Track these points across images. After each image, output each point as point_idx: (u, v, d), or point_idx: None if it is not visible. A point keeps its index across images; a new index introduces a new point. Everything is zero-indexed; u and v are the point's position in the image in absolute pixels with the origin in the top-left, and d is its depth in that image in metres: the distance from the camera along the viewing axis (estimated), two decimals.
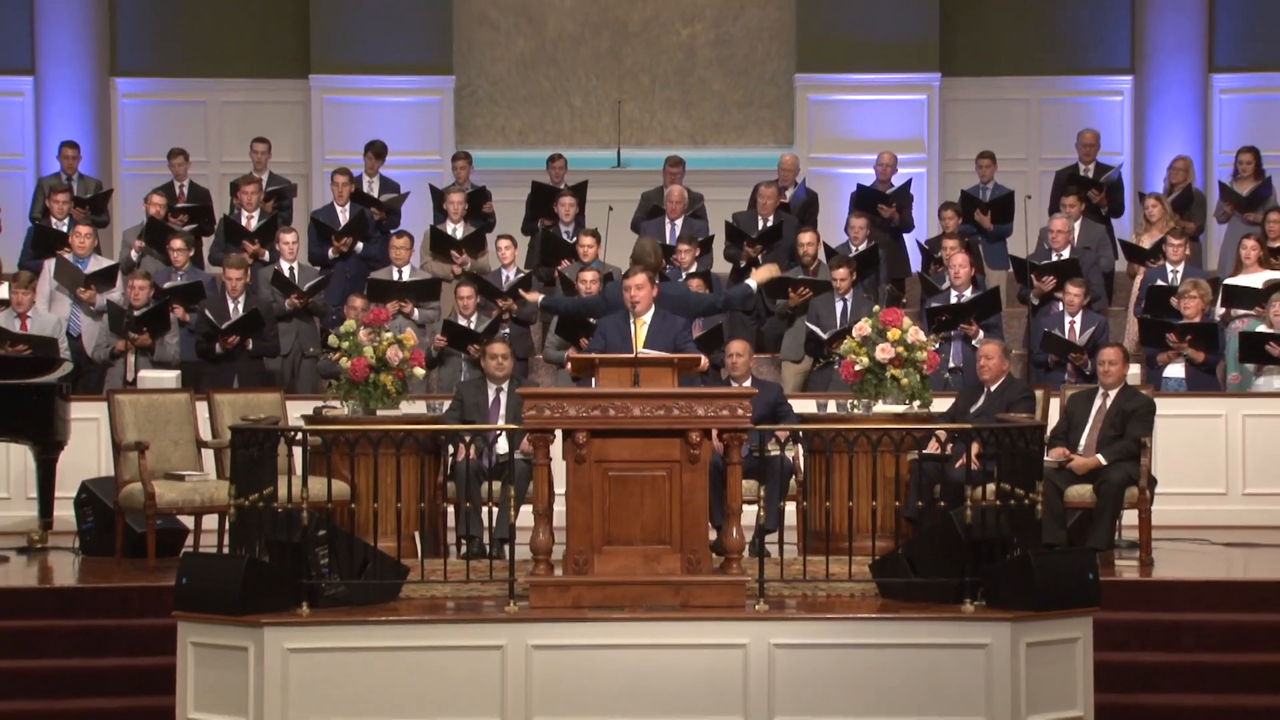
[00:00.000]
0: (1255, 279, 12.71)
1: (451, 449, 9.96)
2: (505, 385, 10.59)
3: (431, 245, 14.17)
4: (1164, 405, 10.78)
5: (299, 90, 17.33)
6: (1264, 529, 11.23)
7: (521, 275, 13.41)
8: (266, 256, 13.69)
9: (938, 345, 11.11)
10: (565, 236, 14.08)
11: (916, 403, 10.24)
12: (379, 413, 10.33)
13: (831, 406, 10.93)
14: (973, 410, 10.26)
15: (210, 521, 10.32)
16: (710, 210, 14.79)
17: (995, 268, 14.34)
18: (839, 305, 12.52)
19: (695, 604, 8.03)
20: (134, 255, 13.85)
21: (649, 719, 7.83)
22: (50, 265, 13.16)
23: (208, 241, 14.42)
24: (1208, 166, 16.76)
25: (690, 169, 15.27)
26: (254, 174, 14.94)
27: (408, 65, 17.14)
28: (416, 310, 13.14)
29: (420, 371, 10.67)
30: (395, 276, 13.29)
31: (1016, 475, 8.17)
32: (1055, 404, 10.63)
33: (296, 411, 10.67)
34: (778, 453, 9.42)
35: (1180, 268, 13.00)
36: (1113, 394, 10.27)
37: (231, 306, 12.59)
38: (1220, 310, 12.67)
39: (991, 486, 8.36)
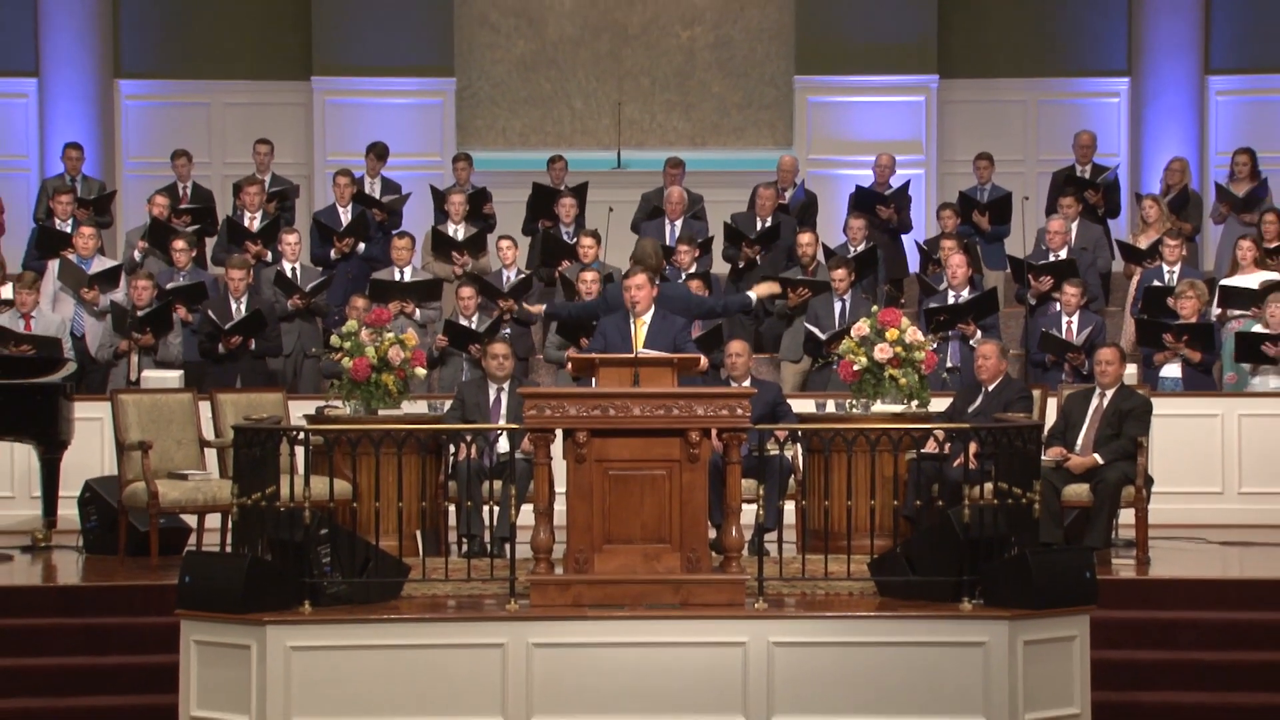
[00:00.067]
0: (1251, 279, 12.73)
1: (453, 448, 9.98)
2: (506, 385, 10.61)
3: (433, 246, 14.19)
4: (1160, 405, 10.79)
5: (301, 92, 17.35)
6: (1260, 528, 11.24)
7: (522, 276, 13.44)
8: (269, 257, 13.70)
9: (935, 345, 11.10)
10: (565, 237, 14.09)
11: (914, 402, 10.25)
12: (381, 412, 10.36)
13: (830, 406, 10.92)
14: (970, 410, 10.27)
15: (213, 520, 10.34)
16: (710, 211, 14.80)
17: (993, 268, 14.35)
18: (837, 306, 12.52)
19: (695, 602, 8.03)
20: (137, 256, 13.85)
21: (649, 717, 7.84)
22: (54, 266, 13.16)
23: (210, 242, 14.43)
24: (1204, 168, 16.78)
25: (690, 170, 15.29)
26: (256, 175, 14.95)
27: (409, 67, 17.16)
28: (418, 310, 13.16)
29: (421, 371, 10.69)
30: (397, 277, 13.31)
31: (1014, 474, 8.18)
32: (1052, 404, 10.65)
33: (299, 411, 10.70)
34: (777, 452, 9.42)
35: (1177, 268, 13.01)
36: (1110, 394, 10.27)
37: (234, 307, 12.61)
38: (1216, 311, 12.68)
39: (989, 486, 8.38)
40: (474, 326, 12.67)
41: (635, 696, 7.84)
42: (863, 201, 14.62)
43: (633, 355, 8.70)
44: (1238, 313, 12.59)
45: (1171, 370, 12.28)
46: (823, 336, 12.29)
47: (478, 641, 7.89)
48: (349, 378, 10.37)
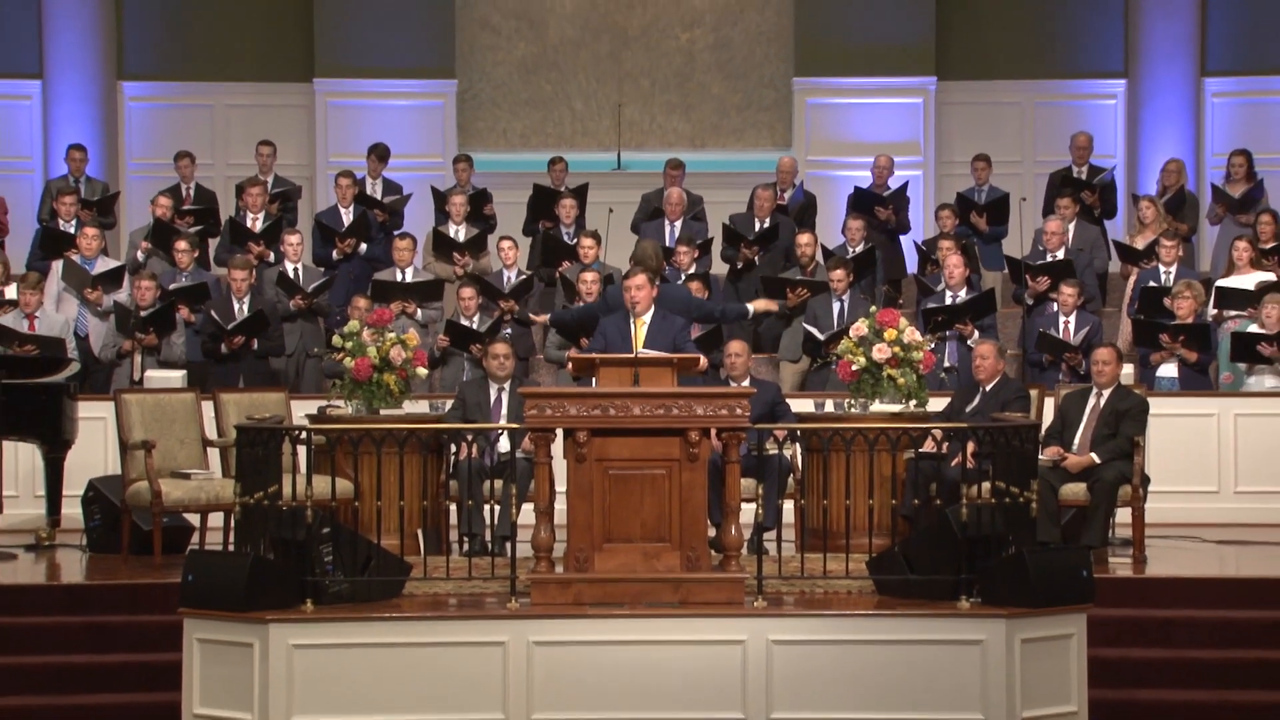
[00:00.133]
0: (1247, 280, 12.72)
1: (454, 448, 10.01)
2: (507, 385, 10.63)
3: (434, 247, 14.20)
4: (1157, 404, 10.81)
5: (303, 94, 17.37)
6: (1255, 527, 11.24)
7: (523, 277, 13.47)
8: (271, 258, 13.71)
9: (933, 345, 11.11)
10: (566, 238, 14.10)
11: (913, 402, 10.27)
12: (382, 412, 10.38)
13: (829, 406, 10.94)
14: (968, 409, 10.27)
15: (216, 519, 10.34)
16: (709, 212, 14.81)
17: (991, 269, 14.37)
18: (836, 306, 12.53)
19: (694, 601, 8.05)
20: (140, 256, 13.87)
21: (649, 714, 7.86)
22: (58, 266, 13.18)
23: (213, 243, 14.45)
24: (1200, 169, 16.76)
25: (689, 171, 15.30)
26: (259, 176, 14.94)
27: (410, 69, 17.18)
28: (419, 311, 13.18)
29: (423, 371, 10.71)
30: (398, 277, 13.32)
31: (1011, 474, 8.19)
32: (1050, 403, 10.64)
33: (301, 411, 10.71)
34: (776, 451, 9.42)
35: (1173, 269, 13.01)
36: (1106, 393, 10.28)
37: (237, 307, 12.62)
38: (1213, 311, 12.68)
39: (987, 485, 8.37)
40: (475, 327, 12.68)
41: (635, 694, 7.86)
42: (861, 202, 14.64)
43: (633, 355, 8.72)
44: (1234, 313, 12.59)
45: (1168, 370, 12.27)
46: (821, 337, 12.29)
47: (479, 640, 7.90)
48: (351, 377, 10.39)
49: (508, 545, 8.47)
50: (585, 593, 8.08)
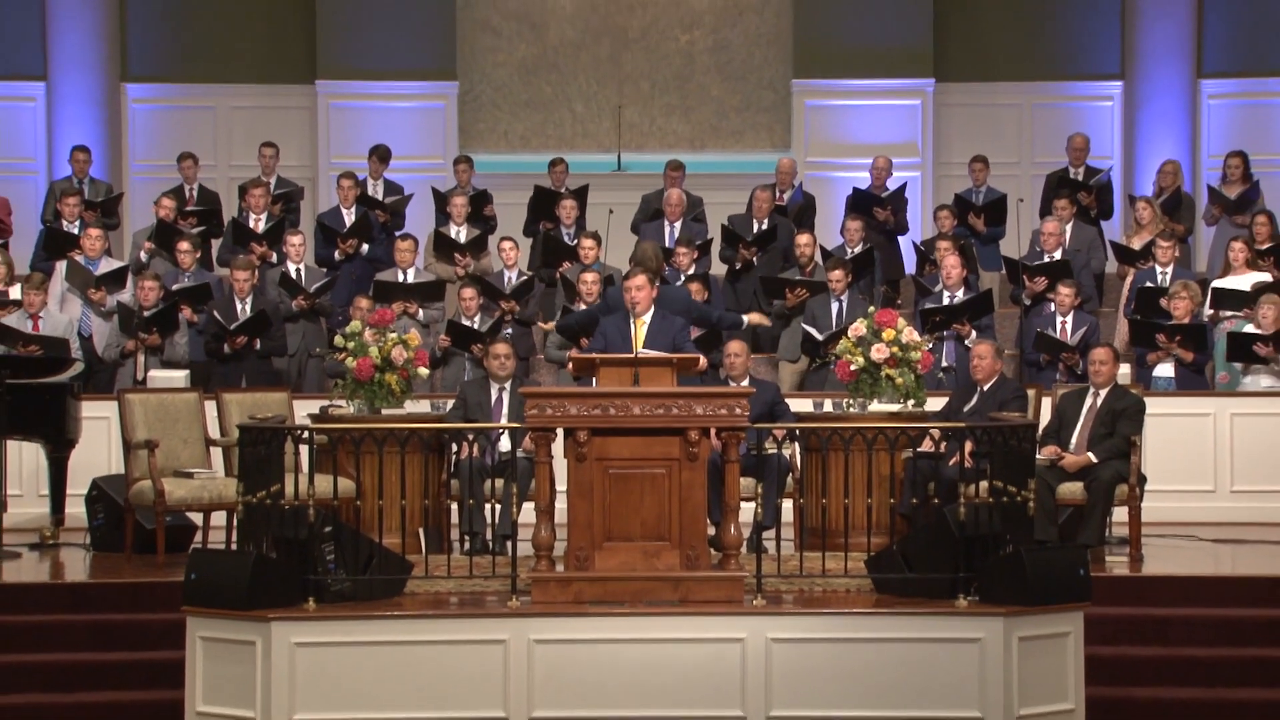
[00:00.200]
0: (1243, 280, 12.74)
1: (455, 447, 10.03)
2: (508, 384, 10.64)
3: (435, 248, 14.22)
4: (1153, 404, 10.81)
5: (306, 95, 17.39)
6: (1251, 525, 11.26)
7: (524, 278, 13.51)
8: (274, 258, 13.73)
9: (931, 345, 11.11)
10: (566, 239, 14.11)
11: (911, 402, 10.28)
12: (384, 411, 10.39)
13: (828, 405, 10.93)
14: (966, 409, 10.27)
15: (218, 518, 10.34)
16: (709, 213, 14.82)
17: (988, 269, 14.39)
18: (835, 306, 12.53)
19: (694, 599, 8.07)
20: (143, 257, 13.89)
21: (649, 712, 7.88)
22: (61, 267, 13.19)
23: (216, 243, 14.49)
24: (1196, 170, 16.78)
25: (689, 173, 15.31)
26: (262, 177, 14.96)
27: (412, 71, 17.20)
28: (421, 311, 13.20)
29: (424, 371, 10.72)
30: (400, 278, 13.34)
31: (1009, 473, 8.21)
32: (1047, 403, 10.64)
33: (303, 410, 10.71)
34: (775, 451, 9.42)
35: (1169, 269, 13.04)
36: (1103, 393, 10.29)
37: (239, 307, 12.63)
38: (1209, 311, 12.69)
39: (984, 484, 8.40)
40: (476, 327, 12.68)
41: (635, 692, 7.88)
42: (860, 203, 14.66)
43: (633, 355, 8.74)
44: (1230, 313, 12.60)
45: (1164, 370, 12.28)
46: (820, 337, 12.29)
47: (480, 638, 7.92)
48: (353, 377, 10.40)
49: (508, 544, 8.47)
50: (585, 591, 8.09)
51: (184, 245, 13.35)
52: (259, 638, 7.86)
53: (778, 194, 14.92)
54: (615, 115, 17.59)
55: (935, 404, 10.64)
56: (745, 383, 10.30)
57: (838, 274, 12.62)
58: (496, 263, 13.87)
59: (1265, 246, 13.22)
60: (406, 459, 8.65)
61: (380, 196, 14.92)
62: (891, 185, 15.08)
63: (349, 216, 14.38)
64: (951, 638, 7.93)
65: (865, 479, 9.06)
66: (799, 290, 13.11)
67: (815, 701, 7.91)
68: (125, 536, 10.21)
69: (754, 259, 14.06)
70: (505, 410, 10.53)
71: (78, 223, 13.92)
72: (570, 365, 9.29)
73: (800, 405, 10.94)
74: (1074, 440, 10.26)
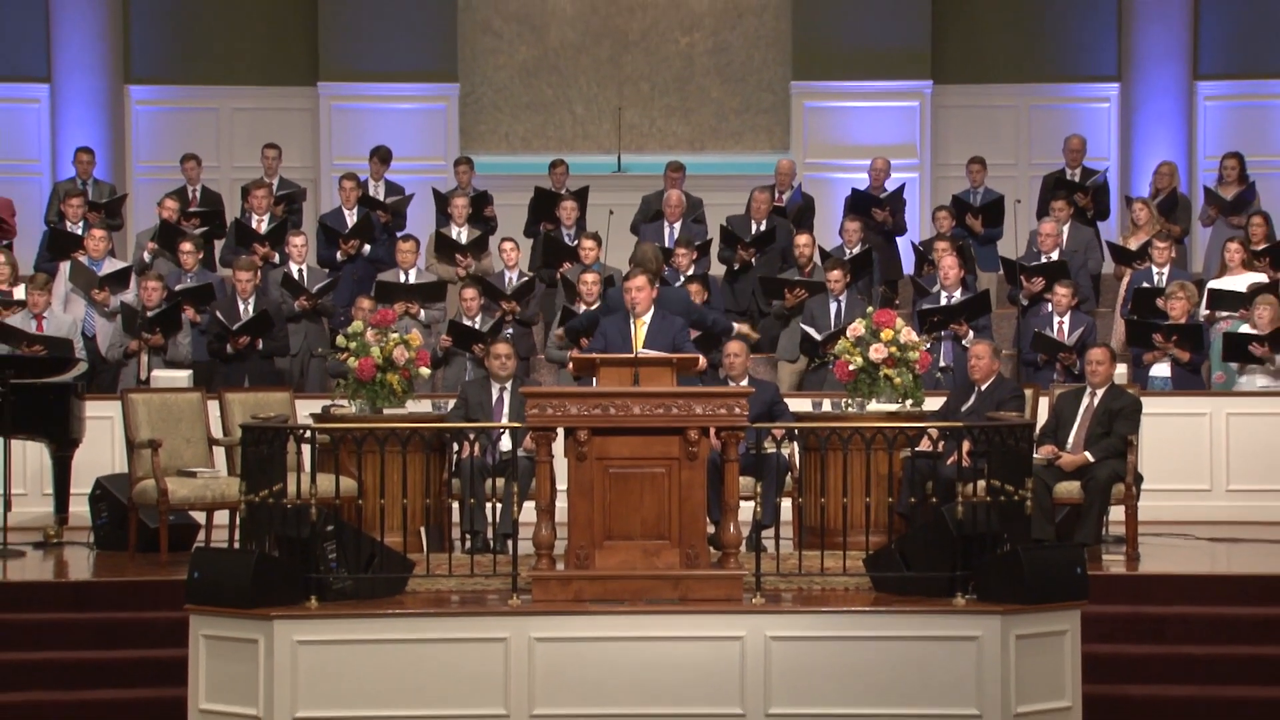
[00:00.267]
0: (1239, 281, 12.78)
1: (456, 446, 10.06)
2: (508, 384, 10.64)
3: (436, 248, 14.24)
4: (1150, 404, 10.82)
5: (308, 97, 17.43)
6: (1247, 524, 11.27)
7: (525, 279, 13.55)
8: (276, 259, 13.78)
9: (929, 345, 11.12)
10: (567, 239, 14.14)
11: (909, 401, 10.29)
12: (386, 411, 10.39)
13: (826, 405, 10.93)
14: (964, 409, 10.28)
15: (221, 517, 10.38)
16: (709, 214, 14.84)
17: (986, 270, 14.42)
18: (833, 306, 12.57)
19: (694, 597, 8.08)
20: (147, 257, 13.91)
21: (648, 709, 7.90)
22: (65, 268, 13.22)
23: (219, 244, 14.52)
24: (1192, 171, 16.82)
25: (689, 174, 15.33)
26: (264, 179, 15.01)
27: (413, 73, 17.24)
28: (422, 311, 13.23)
29: (426, 371, 10.72)
30: (402, 278, 13.36)
31: (1006, 472, 8.23)
32: (1044, 402, 10.65)
33: (305, 410, 10.71)
34: (774, 450, 9.43)
35: (1166, 270, 13.07)
36: (1100, 393, 10.30)
37: (242, 308, 12.65)
38: (1205, 311, 12.72)
39: (982, 483, 8.41)
40: (477, 327, 12.71)
41: (635, 690, 7.90)
42: (858, 204, 14.70)
43: (633, 355, 8.77)
44: (1226, 314, 12.64)
45: (1161, 370, 12.33)
46: (819, 337, 12.33)
47: (481, 636, 7.94)
48: (355, 377, 10.41)
49: (509, 543, 8.47)
50: (586, 589, 8.12)
51: (187, 246, 13.38)
52: (261, 636, 7.87)
53: (777, 195, 14.96)
54: (615, 117, 17.62)
55: (933, 404, 10.65)
56: (744, 383, 10.30)
57: (836, 274, 12.64)
58: (497, 263, 13.89)
59: (1261, 247, 13.25)
60: (408, 458, 8.67)
61: (381, 197, 14.95)
62: (890, 186, 15.12)
63: (351, 217, 14.41)
64: (949, 636, 7.95)
65: (864, 478, 9.02)
66: (798, 290, 13.14)
67: (814, 699, 7.92)
68: (129, 535, 10.23)
69: (752, 260, 14.10)
70: (506, 410, 10.54)
71: (81, 223, 13.97)
72: (571, 365, 9.30)
73: (799, 405, 10.95)
74: (1071, 440, 10.27)
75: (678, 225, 14.36)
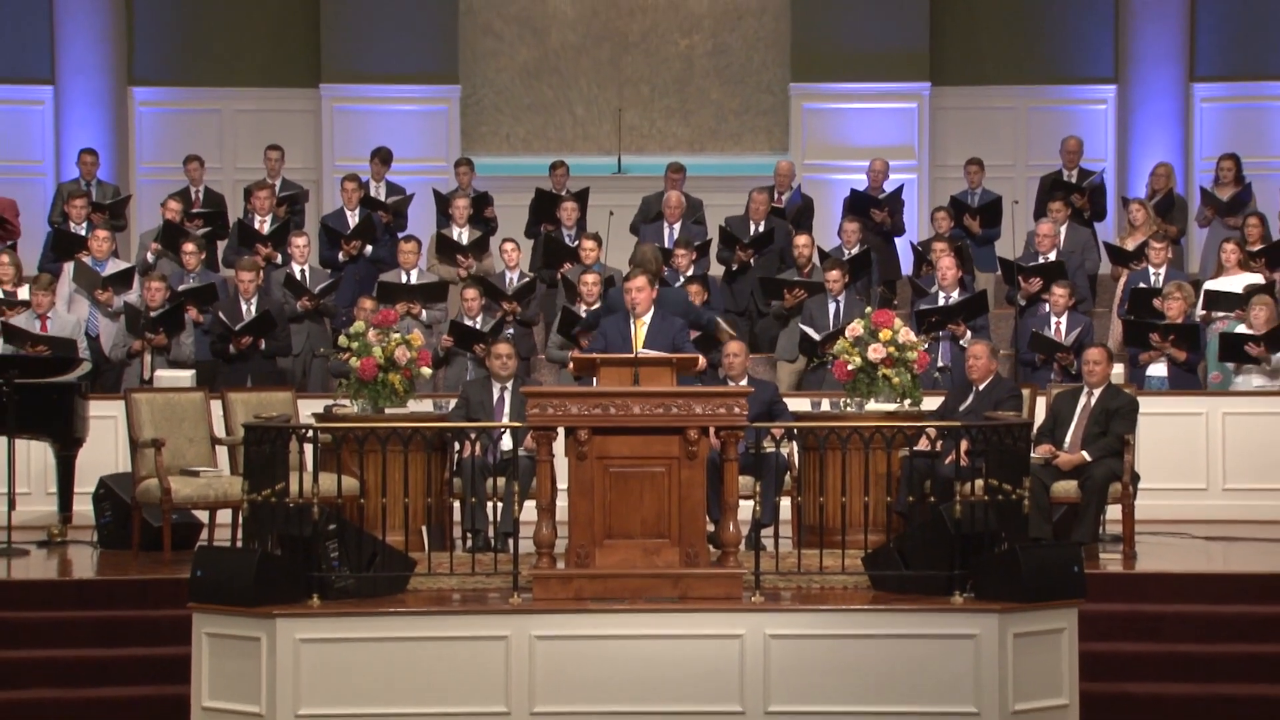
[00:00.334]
0: (1235, 281, 12.81)
1: (457, 446, 10.09)
2: (509, 384, 10.65)
3: (437, 249, 14.25)
4: (1147, 403, 10.83)
5: (310, 99, 17.44)
6: (1243, 523, 11.31)
7: (526, 279, 13.58)
8: (279, 259, 13.80)
9: (927, 345, 11.13)
10: (567, 240, 14.17)
11: (907, 401, 10.30)
12: (387, 411, 10.40)
13: (825, 405, 10.92)
14: (962, 408, 10.29)
15: (224, 516, 10.41)
16: (708, 215, 14.85)
17: (984, 270, 14.43)
18: (832, 307, 12.61)
19: (693, 596, 8.11)
20: (150, 258, 13.94)
21: (648, 707, 7.93)
22: (69, 268, 13.26)
23: (222, 245, 14.54)
24: (1189, 173, 16.83)
25: (689, 175, 15.33)
26: (267, 180, 15.03)
27: (415, 74, 17.25)
28: (424, 311, 13.24)
29: (427, 371, 10.75)
30: (403, 279, 13.38)
31: (1004, 471, 8.26)
32: (1042, 402, 10.67)
33: (307, 410, 10.72)
34: (773, 449, 9.42)
35: (1162, 270, 13.09)
36: (1097, 392, 10.31)
37: (244, 308, 12.67)
38: (1201, 312, 12.75)
39: (980, 482, 8.42)
40: (478, 327, 12.72)
41: (635, 687, 7.93)
42: (857, 205, 14.73)
43: (633, 355, 8.79)
44: (1222, 314, 12.66)
45: (1157, 370, 12.35)
46: (818, 337, 12.35)
47: (482, 634, 7.97)
48: (357, 377, 10.42)
49: (510, 541, 8.47)
50: (586, 588, 8.14)
51: (190, 246, 13.40)
52: (264, 634, 7.90)
53: (776, 196, 14.98)
54: (615, 118, 17.64)
55: (931, 403, 10.65)
56: (744, 382, 10.32)
57: (835, 275, 12.67)
58: (498, 264, 13.92)
59: (1257, 248, 13.28)
60: (409, 457, 8.73)
61: (382, 198, 14.96)
62: (888, 187, 15.14)
63: (353, 218, 14.44)
64: (947, 634, 7.98)
65: (862, 477, 9.02)
66: (797, 291, 13.16)
67: (813, 697, 7.95)
68: (132, 534, 10.24)
69: (750, 260, 14.13)
70: (507, 409, 10.56)
71: (85, 224, 14.00)
72: (571, 365, 9.33)
73: (798, 404, 10.95)
74: (1068, 439, 10.28)
75: (677, 226, 14.38)
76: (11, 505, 10.58)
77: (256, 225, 14.22)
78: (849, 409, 10.35)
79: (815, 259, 13.57)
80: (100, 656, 8.80)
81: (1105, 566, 9.65)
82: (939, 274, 12.85)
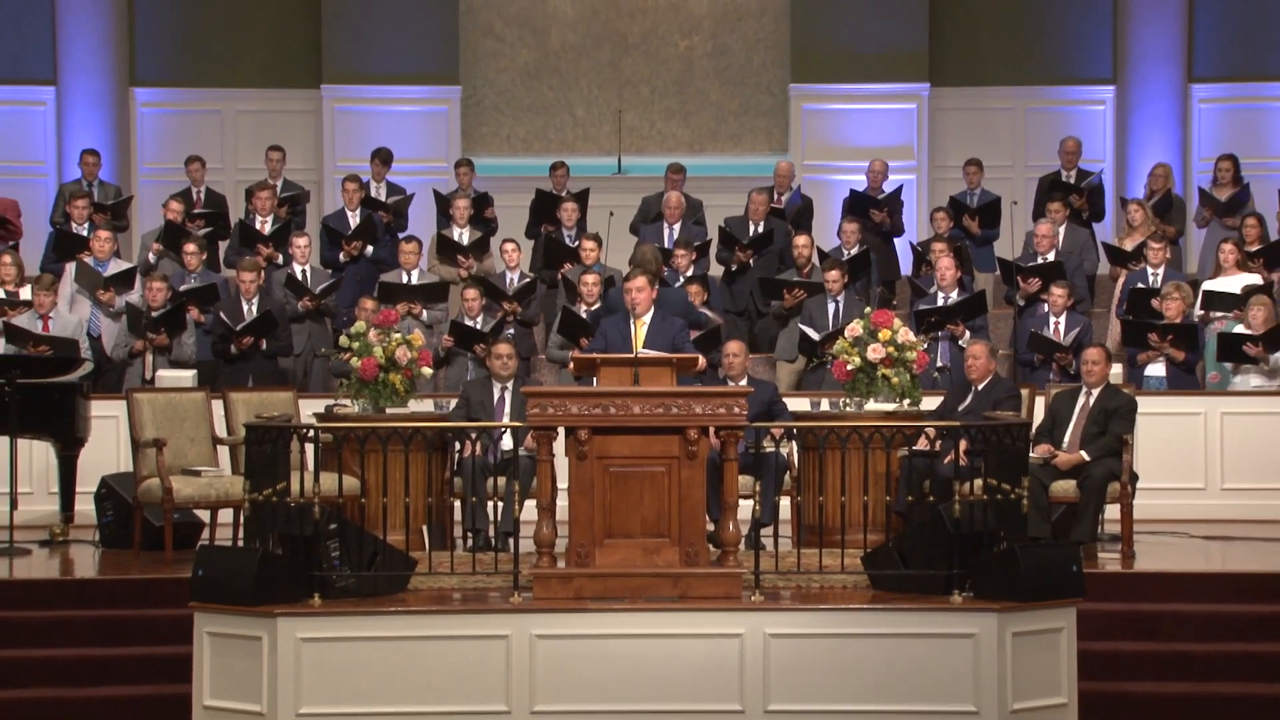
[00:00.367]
0: (1233, 282, 12.83)
1: (458, 445, 10.10)
2: (510, 384, 10.66)
3: (438, 250, 14.26)
4: (1145, 403, 10.84)
5: (311, 100, 17.45)
6: (1241, 522, 11.33)
7: (526, 280, 13.61)
8: (280, 260, 13.81)
9: (926, 345, 11.12)
10: (568, 241, 14.18)
11: (906, 401, 10.31)
12: (388, 411, 10.41)
13: (825, 405, 10.90)
14: (961, 408, 10.30)
15: (225, 515, 10.42)
16: (708, 215, 14.86)
17: (983, 270, 14.45)
18: (831, 307, 12.62)
19: (693, 595, 8.12)
20: (152, 258, 13.94)
21: (648, 706, 7.94)
22: (71, 268, 13.25)
23: (223, 245, 14.54)
24: (1187, 173, 16.84)
25: (689, 176, 15.32)
26: (268, 180, 15.03)
27: (416, 75, 17.26)
28: (425, 311, 13.26)
29: (428, 371, 10.75)
30: (404, 279, 13.39)
31: (1003, 471, 8.27)
32: (1040, 402, 10.68)
33: (309, 409, 10.73)
34: (773, 449, 9.45)
35: (1161, 270, 13.10)
36: (1096, 392, 10.32)
37: (246, 308, 12.68)
38: (1199, 312, 12.76)
39: (979, 482, 8.42)
40: (479, 327, 12.73)
41: (635, 686, 7.93)
42: (856, 206, 14.74)
43: (633, 355, 8.80)
44: (1220, 314, 12.68)
45: (1156, 370, 12.36)
46: (817, 337, 12.37)
47: (482, 633, 7.98)
48: (357, 377, 10.43)
49: (510, 541, 8.49)
50: (586, 587, 8.16)
51: (191, 247, 13.41)
52: (265, 633, 7.91)
53: (775, 196, 14.99)
54: (616, 119, 17.65)
55: (930, 403, 10.66)
56: (743, 382, 10.33)
57: (834, 275, 12.68)
58: (499, 264, 13.93)
59: (1255, 248, 13.30)
60: (410, 457, 8.73)
61: (383, 199, 14.98)
62: (888, 188, 15.15)
63: (354, 219, 14.45)
64: (946, 633, 7.99)
65: (861, 477, 9.00)
66: (796, 291, 13.18)
67: (812, 696, 7.96)
68: (134, 533, 10.25)
69: (750, 261, 14.14)
70: (507, 409, 10.56)
71: (87, 225, 13.99)
72: (571, 365, 9.34)
73: (797, 404, 10.95)
74: (1067, 439, 10.29)
75: (677, 226, 14.39)
76: (13, 505, 10.57)
77: (258, 225, 14.23)
78: (848, 409, 10.35)
79: (815, 259, 13.58)
80: (102, 656, 8.80)
81: (1104, 566, 9.66)
82: (938, 274, 12.86)
